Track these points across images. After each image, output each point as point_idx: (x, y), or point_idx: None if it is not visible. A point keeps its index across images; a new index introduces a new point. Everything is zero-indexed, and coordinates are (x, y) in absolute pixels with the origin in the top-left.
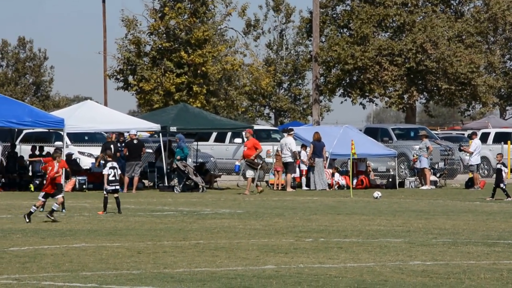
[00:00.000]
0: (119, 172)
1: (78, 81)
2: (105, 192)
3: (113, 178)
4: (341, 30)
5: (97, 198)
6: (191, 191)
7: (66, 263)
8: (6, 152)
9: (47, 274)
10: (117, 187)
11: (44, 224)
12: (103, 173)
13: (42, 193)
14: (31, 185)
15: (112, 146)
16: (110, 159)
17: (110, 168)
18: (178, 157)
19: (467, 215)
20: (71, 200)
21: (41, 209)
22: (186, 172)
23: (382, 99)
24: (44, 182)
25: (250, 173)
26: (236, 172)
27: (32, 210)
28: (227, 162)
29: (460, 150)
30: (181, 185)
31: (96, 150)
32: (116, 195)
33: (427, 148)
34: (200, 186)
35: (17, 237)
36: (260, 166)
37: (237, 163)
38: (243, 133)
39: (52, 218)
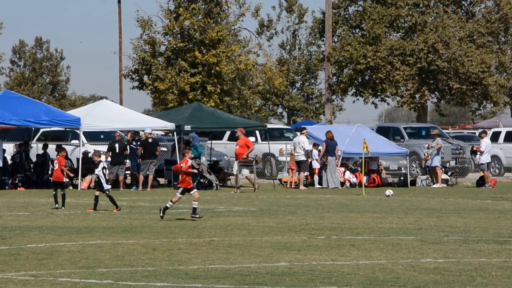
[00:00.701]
0: (107, 172)
1: (94, 80)
2: (97, 192)
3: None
4: (353, 30)
5: (112, 195)
6: (205, 189)
7: (82, 259)
8: (20, 150)
9: (63, 270)
10: (108, 186)
11: (60, 221)
12: (96, 173)
13: (180, 189)
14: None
15: (117, 145)
16: (99, 159)
17: (103, 168)
18: (192, 156)
19: (478, 213)
20: (87, 197)
21: (170, 204)
22: (200, 170)
23: (394, 99)
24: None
25: (246, 172)
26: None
27: (168, 205)
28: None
29: (472, 152)
30: (195, 183)
31: None
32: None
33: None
34: (214, 184)
35: (34, 234)
36: (254, 161)
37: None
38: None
39: (198, 215)
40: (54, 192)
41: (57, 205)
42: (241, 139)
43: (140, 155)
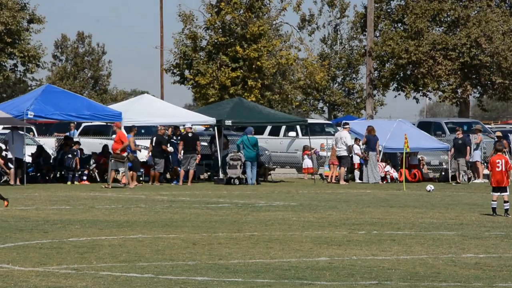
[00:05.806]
0: None
1: (135, 75)
2: None
3: None
4: (395, 25)
5: (153, 190)
6: (245, 183)
7: (123, 253)
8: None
9: (104, 264)
10: None
11: (101, 215)
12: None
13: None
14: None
15: (154, 138)
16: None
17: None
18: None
19: None
20: (128, 191)
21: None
22: (240, 165)
23: (435, 94)
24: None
25: (122, 169)
26: (129, 167)
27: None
28: (281, 155)
29: None
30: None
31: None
32: None
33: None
34: None
35: (76, 228)
36: (126, 158)
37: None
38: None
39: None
40: None
41: None
42: (117, 134)
43: (180, 150)
